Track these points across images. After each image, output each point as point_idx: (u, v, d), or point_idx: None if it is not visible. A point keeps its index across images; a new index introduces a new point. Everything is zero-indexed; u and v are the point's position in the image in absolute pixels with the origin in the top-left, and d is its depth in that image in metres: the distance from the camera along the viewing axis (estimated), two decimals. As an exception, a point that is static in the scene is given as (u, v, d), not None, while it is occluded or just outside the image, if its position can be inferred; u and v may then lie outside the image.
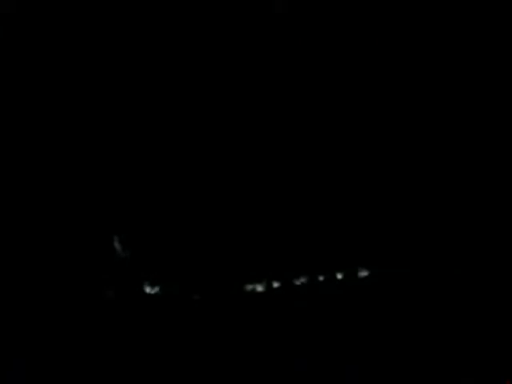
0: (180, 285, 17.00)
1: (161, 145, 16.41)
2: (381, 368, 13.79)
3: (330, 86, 12.49)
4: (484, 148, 13.83)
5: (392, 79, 13.25)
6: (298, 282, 17.19)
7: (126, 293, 16.76)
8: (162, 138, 16.19)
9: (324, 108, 12.98)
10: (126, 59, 15.46)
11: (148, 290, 16.65)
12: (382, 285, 18.49)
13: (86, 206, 19.22)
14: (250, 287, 17.04)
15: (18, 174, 16.87)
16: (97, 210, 19.51)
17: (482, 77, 13.90)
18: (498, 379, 13.58)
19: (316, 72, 12.12)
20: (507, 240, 14.70)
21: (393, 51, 15.04)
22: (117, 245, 19.70)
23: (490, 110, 13.54)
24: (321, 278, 17.49)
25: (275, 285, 17.08)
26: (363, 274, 18.20)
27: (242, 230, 14.66)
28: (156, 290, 16.55)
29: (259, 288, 16.90)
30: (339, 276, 17.71)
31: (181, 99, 16.47)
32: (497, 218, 13.76)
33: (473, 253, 15.16)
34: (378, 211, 12.61)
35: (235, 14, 14.48)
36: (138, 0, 15.14)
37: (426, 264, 17.22)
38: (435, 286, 17.74)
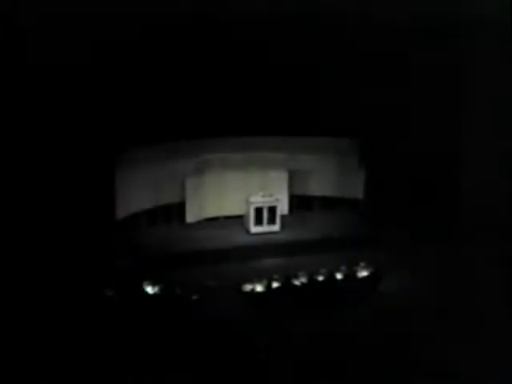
0: (180, 285, 16.75)
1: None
2: (380, 366, 13.63)
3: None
4: None
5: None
6: (297, 282, 17.01)
7: (126, 293, 16.57)
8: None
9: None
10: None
11: (148, 290, 16.47)
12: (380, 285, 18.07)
13: (87, 207, 18.96)
14: (249, 287, 16.87)
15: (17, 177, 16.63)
16: (97, 210, 19.23)
17: None
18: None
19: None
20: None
21: None
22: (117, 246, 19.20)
23: None
24: (321, 278, 17.29)
25: (275, 285, 16.90)
26: (363, 273, 17.97)
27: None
28: (156, 290, 16.38)
29: (259, 288, 16.74)
30: (339, 276, 17.51)
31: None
32: None
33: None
34: None
35: None
36: None
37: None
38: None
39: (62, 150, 18.57)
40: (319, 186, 23.36)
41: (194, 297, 17.21)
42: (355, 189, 23.04)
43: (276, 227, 21.58)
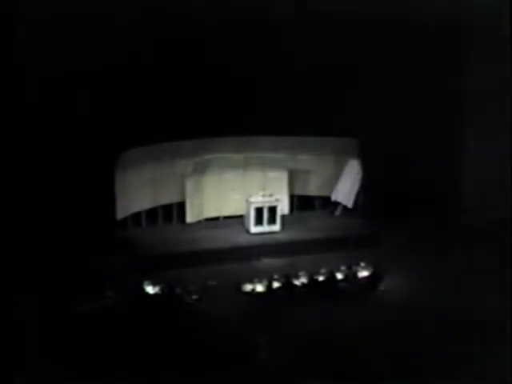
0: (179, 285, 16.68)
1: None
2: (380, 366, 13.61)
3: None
4: None
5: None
6: (297, 282, 16.99)
7: (126, 293, 16.53)
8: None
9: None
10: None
11: (148, 290, 16.45)
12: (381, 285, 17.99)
13: (88, 207, 18.86)
14: (249, 287, 16.86)
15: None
16: (98, 210, 19.14)
17: None
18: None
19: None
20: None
21: None
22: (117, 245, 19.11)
23: None
24: (321, 278, 17.27)
25: (275, 285, 16.87)
26: (363, 273, 17.95)
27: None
28: (156, 290, 16.35)
29: (259, 288, 16.72)
30: (339, 276, 17.48)
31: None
32: None
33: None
34: None
35: None
36: None
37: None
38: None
39: (62, 150, 18.59)
40: (319, 186, 23.37)
41: (194, 297, 17.22)
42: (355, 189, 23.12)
43: (276, 227, 21.56)
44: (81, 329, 15.60)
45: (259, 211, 21.33)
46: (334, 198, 22.83)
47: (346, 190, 22.45)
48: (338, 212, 22.76)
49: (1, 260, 13.75)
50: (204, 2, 18.59)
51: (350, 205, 22.40)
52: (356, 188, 22.38)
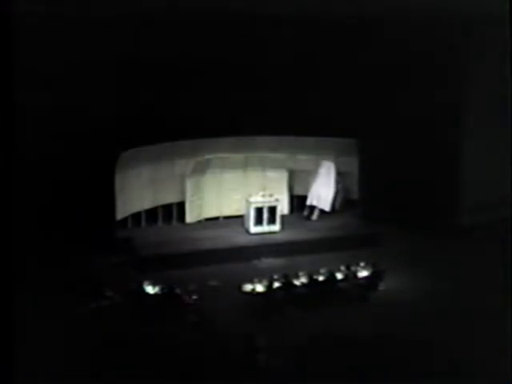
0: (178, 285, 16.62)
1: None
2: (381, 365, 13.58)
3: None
4: None
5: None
6: (297, 282, 16.97)
7: (126, 293, 16.48)
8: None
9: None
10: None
11: (148, 290, 16.42)
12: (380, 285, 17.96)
13: (88, 207, 18.79)
14: (249, 287, 16.83)
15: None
16: (98, 210, 19.09)
17: None
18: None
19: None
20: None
21: None
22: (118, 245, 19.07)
23: None
24: (321, 278, 17.26)
25: (275, 284, 16.84)
26: (363, 273, 17.92)
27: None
28: (156, 290, 16.31)
29: (259, 288, 16.69)
30: (339, 276, 17.47)
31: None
32: None
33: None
34: None
35: None
36: None
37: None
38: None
39: (62, 151, 18.61)
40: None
41: (194, 297, 17.22)
42: (354, 188, 23.10)
43: (276, 227, 21.56)
44: (81, 329, 15.61)
45: (259, 211, 21.33)
46: (309, 202, 22.48)
47: (322, 194, 22.16)
48: (314, 216, 22.52)
49: (1, 260, 13.77)
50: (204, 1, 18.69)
51: (327, 208, 22.09)
52: (332, 190, 22.13)
